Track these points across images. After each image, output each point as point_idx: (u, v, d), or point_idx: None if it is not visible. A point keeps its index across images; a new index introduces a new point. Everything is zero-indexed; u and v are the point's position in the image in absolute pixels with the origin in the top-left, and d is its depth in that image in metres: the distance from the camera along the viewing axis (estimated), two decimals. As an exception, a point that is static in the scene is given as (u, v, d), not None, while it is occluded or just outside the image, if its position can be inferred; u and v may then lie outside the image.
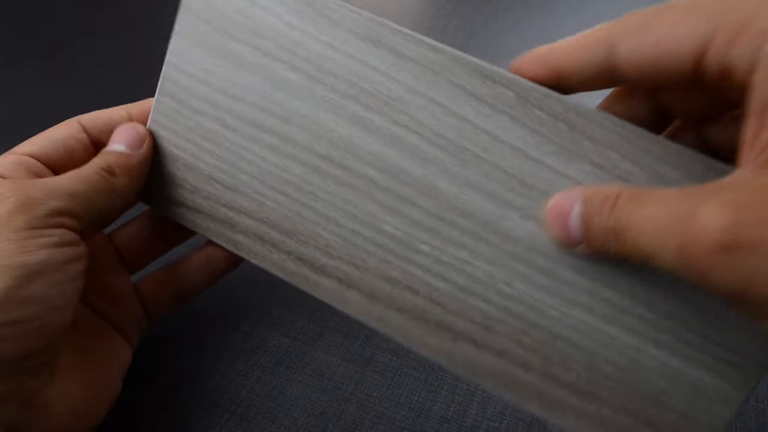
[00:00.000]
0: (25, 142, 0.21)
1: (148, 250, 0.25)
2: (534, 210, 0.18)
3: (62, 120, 0.22)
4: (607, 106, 0.19)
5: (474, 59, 0.18)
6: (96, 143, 0.22)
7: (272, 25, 0.20)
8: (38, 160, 0.21)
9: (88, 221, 0.19)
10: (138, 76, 0.45)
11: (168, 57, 0.21)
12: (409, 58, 0.19)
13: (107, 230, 0.25)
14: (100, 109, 0.23)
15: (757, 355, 0.17)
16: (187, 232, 0.25)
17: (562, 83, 0.18)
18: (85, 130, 0.22)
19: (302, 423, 0.23)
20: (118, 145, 0.21)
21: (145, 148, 0.21)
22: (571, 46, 0.17)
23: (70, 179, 0.19)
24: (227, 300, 0.28)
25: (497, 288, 0.19)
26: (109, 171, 0.20)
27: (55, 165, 0.21)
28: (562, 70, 0.17)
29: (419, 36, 0.19)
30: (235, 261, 0.25)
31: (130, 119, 0.23)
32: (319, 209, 0.21)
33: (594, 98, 0.19)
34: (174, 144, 0.22)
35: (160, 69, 0.22)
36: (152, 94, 0.22)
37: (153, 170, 0.23)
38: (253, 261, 0.23)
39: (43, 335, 0.17)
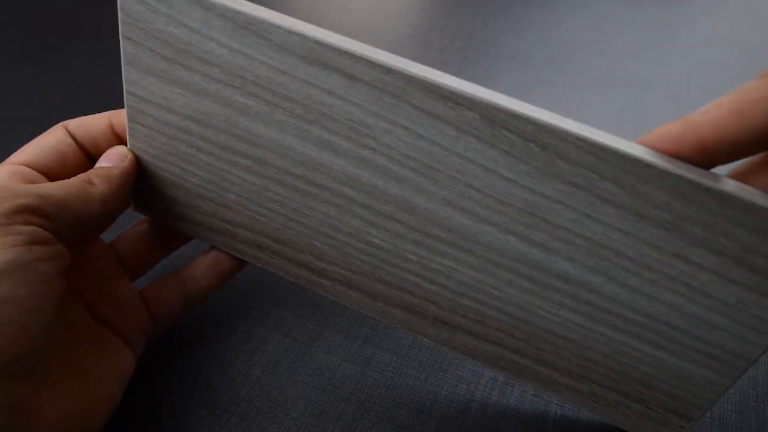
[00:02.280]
0: (17, 152, 0.22)
1: (150, 255, 0.25)
2: (513, 226, 0.18)
3: (63, 119, 0.23)
4: (744, 177, 0.17)
5: (432, 79, 0.16)
6: (82, 148, 0.22)
7: (214, 50, 0.18)
8: (32, 168, 0.21)
9: (63, 224, 0.18)
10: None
11: (125, 86, 0.21)
12: (363, 81, 0.17)
13: (108, 239, 0.25)
14: (91, 112, 0.23)
15: (740, 350, 0.17)
16: (188, 235, 0.26)
17: (707, 157, 0.15)
18: (72, 136, 0.22)
19: (302, 423, 0.23)
20: (102, 162, 0.22)
21: (127, 162, 0.22)
22: (717, 116, 0.15)
23: (46, 185, 0.19)
24: (227, 300, 0.28)
25: (486, 291, 0.20)
26: (88, 181, 0.20)
27: (49, 172, 0.21)
28: (708, 142, 0.15)
29: (371, 56, 0.16)
30: (240, 262, 0.25)
31: (112, 126, 0.23)
32: (306, 223, 0.21)
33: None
34: (159, 166, 0.22)
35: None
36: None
37: (149, 186, 0.23)
38: (258, 264, 0.23)
39: (23, 339, 0.16)
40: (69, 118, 0.23)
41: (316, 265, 0.22)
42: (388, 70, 0.16)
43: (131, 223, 0.32)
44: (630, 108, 0.43)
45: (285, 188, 0.20)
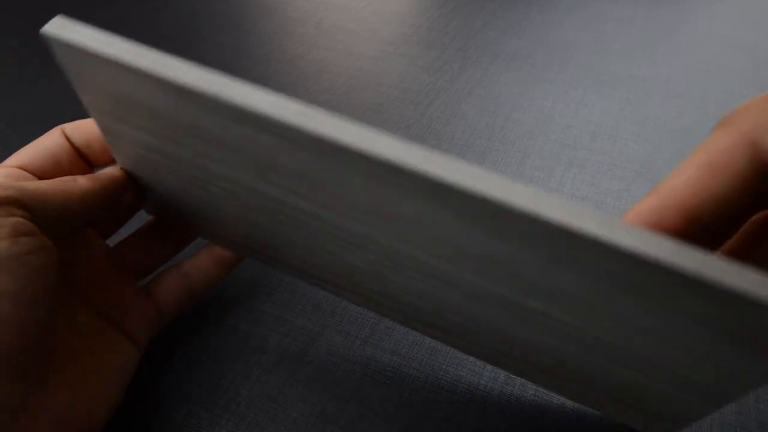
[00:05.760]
0: (13, 155, 0.22)
1: (155, 255, 0.25)
2: (479, 270, 0.17)
3: (63, 119, 0.23)
4: (739, 250, 0.16)
5: (362, 147, 0.14)
6: (78, 151, 0.23)
7: (156, 106, 0.17)
8: (26, 170, 0.21)
9: (44, 216, 0.18)
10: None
11: (97, 124, 0.20)
12: (297, 143, 0.16)
13: (113, 243, 0.25)
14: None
15: (720, 390, 0.17)
16: (188, 238, 0.26)
17: (697, 225, 0.14)
18: (68, 139, 0.22)
19: (302, 423, 0.23)
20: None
21: (117, 172, 0.22)
22: (691, 177, 0.13)
23: (27, 182, 0.19)
24: (227, 300, 0.28)
25: (464, 310, 0.20)
26: (72, 179, 0.20)
27: (44, 174, 0.22)
28: (691, 208, 0.13)
29: (298, 123, 0.15)
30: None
31: None
32: (290, 244, 0.21)
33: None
34: (150, 184, 0.23)
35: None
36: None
37: (150, 194, 0.24)
38: (262, 263, 0.24)
39: (14, 335, 0.16)
40: (69, 119, 0.23)
41: (309, 272, 0.23)
42: (316, 138, 0.15)
43: (138, 225, 0.32)
44: (630, 108, 0.43)
45: (262, 215, 0.21)
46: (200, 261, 0.25)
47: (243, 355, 0.26)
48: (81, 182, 0.20)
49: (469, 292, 0.18)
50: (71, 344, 0.20)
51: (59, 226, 0.19)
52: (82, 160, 0.23)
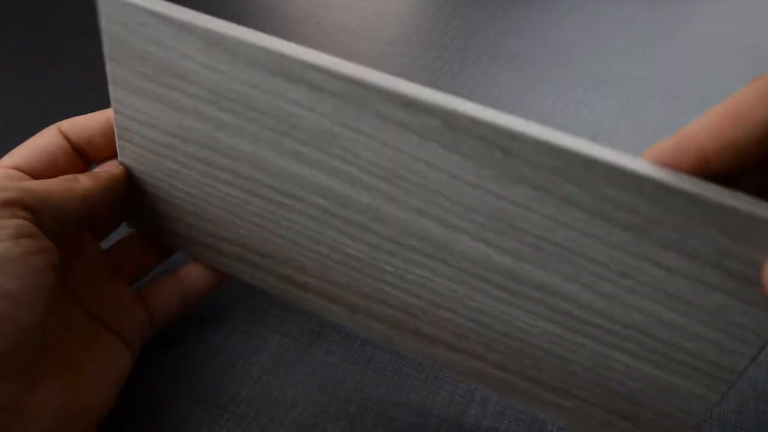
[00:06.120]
0: (8, 155, 0.22)
1: (147, 260, 0.25)
2: (483, 233, 0.17)
3: (63, 119, 0.23)
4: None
5: (391, 87, 0.16)
6: (76, 149, 0.22)
7: (189, 67, 0.19)
8: (22, 170, 0.21)
9: (46, 218, 0.18)
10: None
11: (113, 105, 0.21)
12: (326, 91, 0.17)
13: (106, 246, 0.25)
14: (92, 111, 0.23)
15: (724, 362, 0.17)
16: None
17: (710, 167, 0.14)
18: (65, 137, 0.22)
19: (302, 423, 0.23)
20: (96, 170, 0.22)
21: (117, 170, 0.22)
22: (712, 122, 0.14)
23: (29, 181, 0.19)
24: (227, 300, 0.28)
25: (462, 302, 0.19)
26: (73, 178, 0.20)
27: (39, 174, 0.21)
28: (708, 151, 0.14)
29: (331, 66, 0.17)
30: None
31: (109, 123, 0.23)
32: (286, 236, 0.21)
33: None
34: (147, 182, 0.23)
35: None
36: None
37: (139, 201, 0.24)
38: (242, 279, 0.24)
39: (13, 334, 0.16)
40: (68, 118, 0.23)
41: (297, 279, 0.22)
42: (349, 80, 0.16)
43: (129, 229, 0.32)
44: (630, 108, 0.43)
45: (264, 201, 0.21)
46: (195, 268, 0.25)
47: (243, 355, 0.26)
48: (83, 181, 0.20)
49: (472, 273, 0.18)
50: (64, 345, 0.20)
51: (61, 227, 0.19)
52: (79, 157, 0.23)
